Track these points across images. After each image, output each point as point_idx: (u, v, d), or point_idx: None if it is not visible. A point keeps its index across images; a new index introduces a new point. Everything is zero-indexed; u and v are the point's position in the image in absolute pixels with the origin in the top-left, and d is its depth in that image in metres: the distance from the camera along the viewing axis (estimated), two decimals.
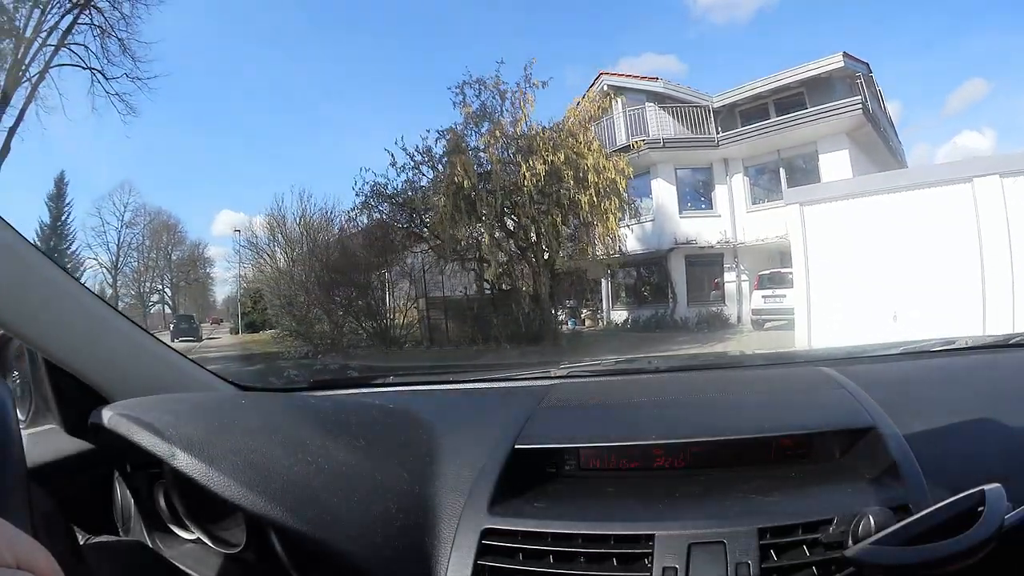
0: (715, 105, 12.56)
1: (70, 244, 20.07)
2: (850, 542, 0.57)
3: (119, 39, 13.15)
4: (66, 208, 20.11)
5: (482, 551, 0.66)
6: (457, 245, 9.72)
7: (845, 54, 11.27)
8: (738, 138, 12.09)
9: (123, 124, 15.66)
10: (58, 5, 12.44)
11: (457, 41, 24.16)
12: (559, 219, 9.33)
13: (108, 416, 0.70)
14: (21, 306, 0.80)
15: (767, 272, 10.84)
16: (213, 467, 0.62)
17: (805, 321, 8.00)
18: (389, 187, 10.34)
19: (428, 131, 10.06)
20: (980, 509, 0.49)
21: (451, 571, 0.65)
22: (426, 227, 10.40)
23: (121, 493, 0.98)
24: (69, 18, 12.53)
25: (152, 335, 1.00)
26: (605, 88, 12.87)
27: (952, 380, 0.96)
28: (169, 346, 1.02)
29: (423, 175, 10.01)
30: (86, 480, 0.96)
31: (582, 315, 11.95)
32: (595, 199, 9.31)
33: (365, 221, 11.12)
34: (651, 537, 0.62)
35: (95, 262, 22.32)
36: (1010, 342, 1.12)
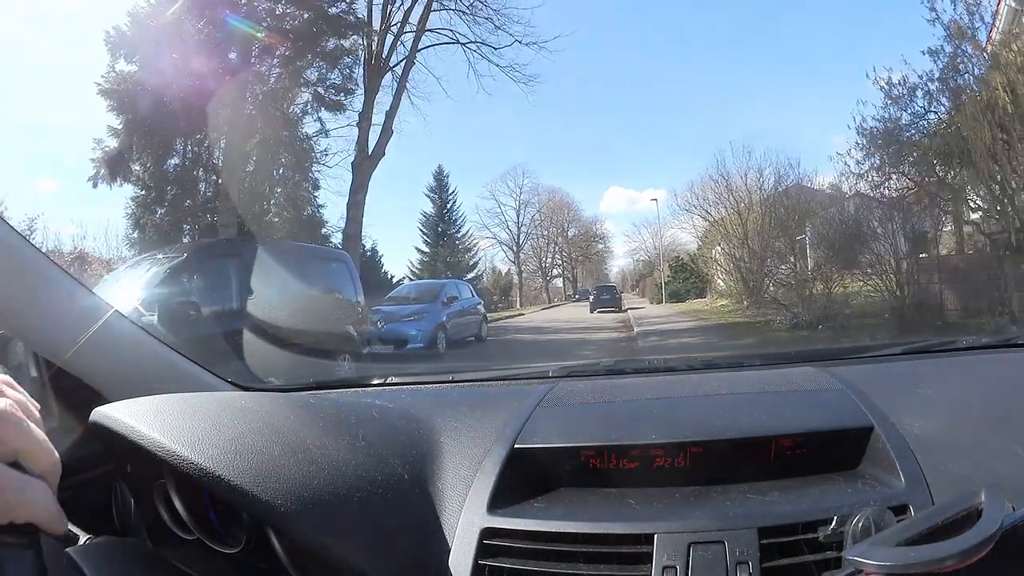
0: None
1: (459, 228, 21.80)
2: (849, 542, 0.57)
3: (487, 17, 12.34)
4: (450, 197, 21.67)
5: (482, 551, 0.66)
6: (994, 188, 7.86)
7: None
8: None
9: (525, 95, 14.50)
10: None
11: None
12: None
13: (108, 416, 0.70)
14: (21, 306, 0.80)
15: None
16: (213, 467, 0.62)
17: None
18: (896, 125, 8.48)
19: (889, 69, 8.20)
20: (980, 509, 0.49)
21: (451, 571, 0.65)
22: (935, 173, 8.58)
23: (121, 493, 0.98)
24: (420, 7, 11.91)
25: (152, 335, 1.00)
26: None
27: (952, 380, 0.96)
28: (169, 346, 1.02)
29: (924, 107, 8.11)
30: (86, 480, 0.96)
31: None
32: None
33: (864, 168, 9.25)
34: (651, 536, 0.62)
35: (493, 240, 24.14)
36: (1010, 342, 1.12)
